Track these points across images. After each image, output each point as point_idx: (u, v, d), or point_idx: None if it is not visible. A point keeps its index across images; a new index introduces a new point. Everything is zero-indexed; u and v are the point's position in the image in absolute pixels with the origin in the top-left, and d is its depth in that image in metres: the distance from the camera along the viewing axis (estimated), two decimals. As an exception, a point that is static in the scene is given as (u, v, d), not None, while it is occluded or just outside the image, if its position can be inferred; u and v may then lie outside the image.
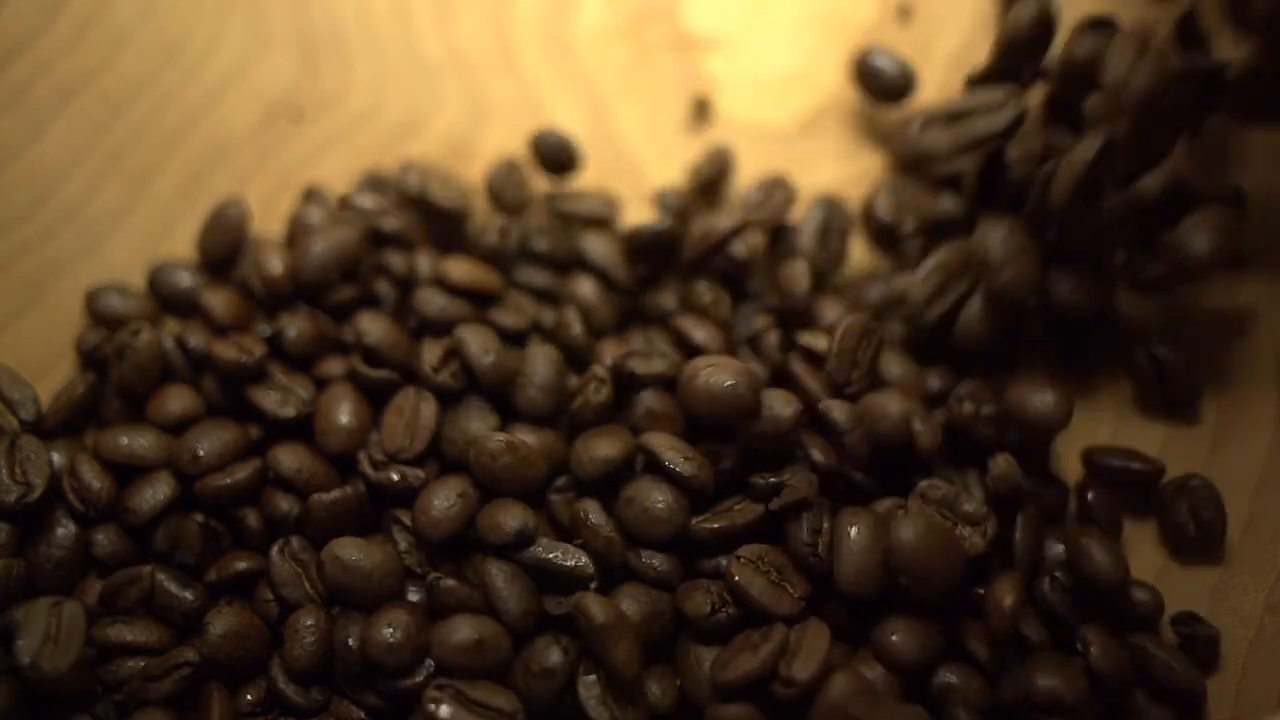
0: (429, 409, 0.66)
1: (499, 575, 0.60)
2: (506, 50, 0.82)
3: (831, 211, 0.76)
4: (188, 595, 0.62)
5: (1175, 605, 0.64)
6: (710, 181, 0.79)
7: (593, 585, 0.60)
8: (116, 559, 0.64)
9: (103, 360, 0.69)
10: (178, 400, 0.68)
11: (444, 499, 0.63)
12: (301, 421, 0.66)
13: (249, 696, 0.61)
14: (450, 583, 0.61)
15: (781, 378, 0.67)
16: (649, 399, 0.66)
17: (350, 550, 0.61)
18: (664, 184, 0.78)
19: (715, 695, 0.58)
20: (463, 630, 0.59)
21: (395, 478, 0.64)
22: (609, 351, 0.68)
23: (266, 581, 0.63)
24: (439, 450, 0.66)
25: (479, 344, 0.67)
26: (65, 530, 0.64)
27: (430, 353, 0.67)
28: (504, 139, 0.80)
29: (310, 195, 0.76)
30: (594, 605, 0.57)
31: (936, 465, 0.65)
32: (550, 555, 0.61)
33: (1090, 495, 0.66)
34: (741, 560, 0.60)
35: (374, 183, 0.77)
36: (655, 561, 0.62)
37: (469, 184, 0.78)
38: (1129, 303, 0.73)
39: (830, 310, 0.71)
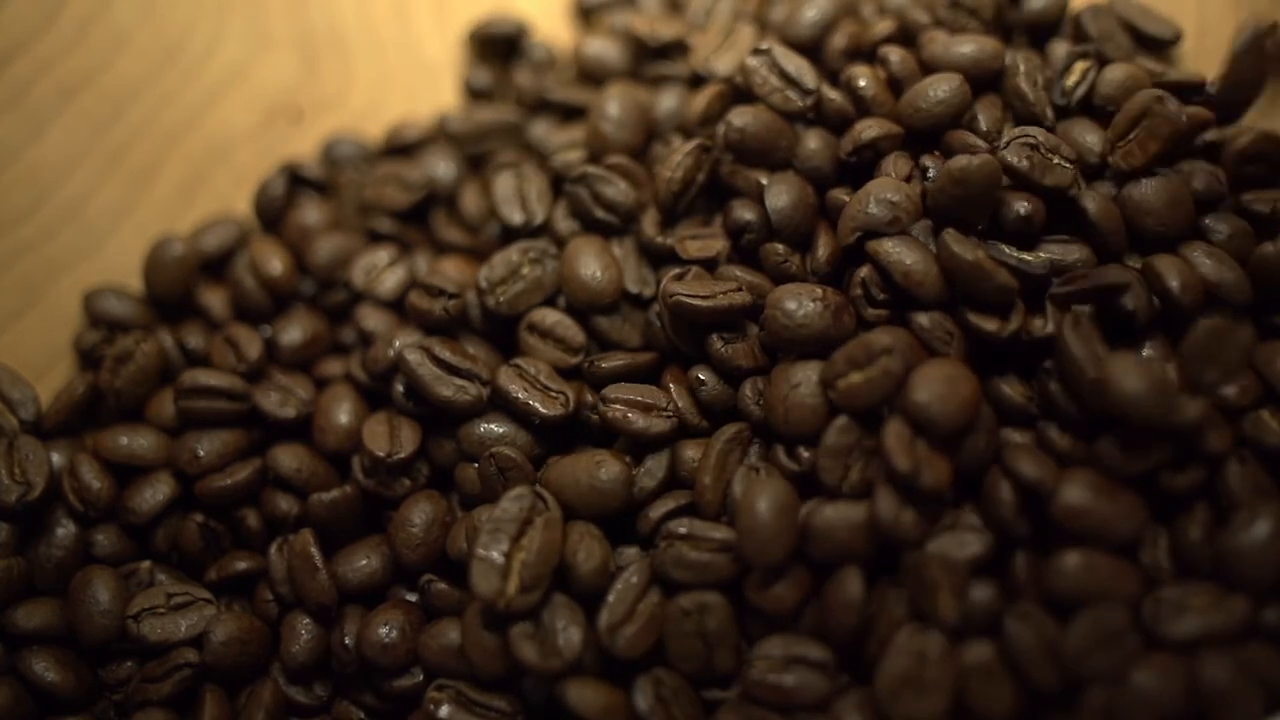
0: (408, 422, 0.65)
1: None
2: (506, 50, 0.82)
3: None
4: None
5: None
6: None
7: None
8: (116, 559, 0.64)
9: (101, 361, 0.69)
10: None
11: (423, 514, 0.62)
12: (301, 422, 0.66)
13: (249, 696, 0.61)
14: (442, 586, 0.61)
15: None
16: None
17: None
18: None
19: None
20: (449, 634, 0.58)
21: (383, 489, 0.64)
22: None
23: (266, 581, 0.63)
24: (428, 454, 0.65)
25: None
26: (65, 530, 0.64)
27: (396, 388, 0.65)
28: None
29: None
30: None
31: None
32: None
33: None
34: None
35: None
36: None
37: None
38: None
39: None
